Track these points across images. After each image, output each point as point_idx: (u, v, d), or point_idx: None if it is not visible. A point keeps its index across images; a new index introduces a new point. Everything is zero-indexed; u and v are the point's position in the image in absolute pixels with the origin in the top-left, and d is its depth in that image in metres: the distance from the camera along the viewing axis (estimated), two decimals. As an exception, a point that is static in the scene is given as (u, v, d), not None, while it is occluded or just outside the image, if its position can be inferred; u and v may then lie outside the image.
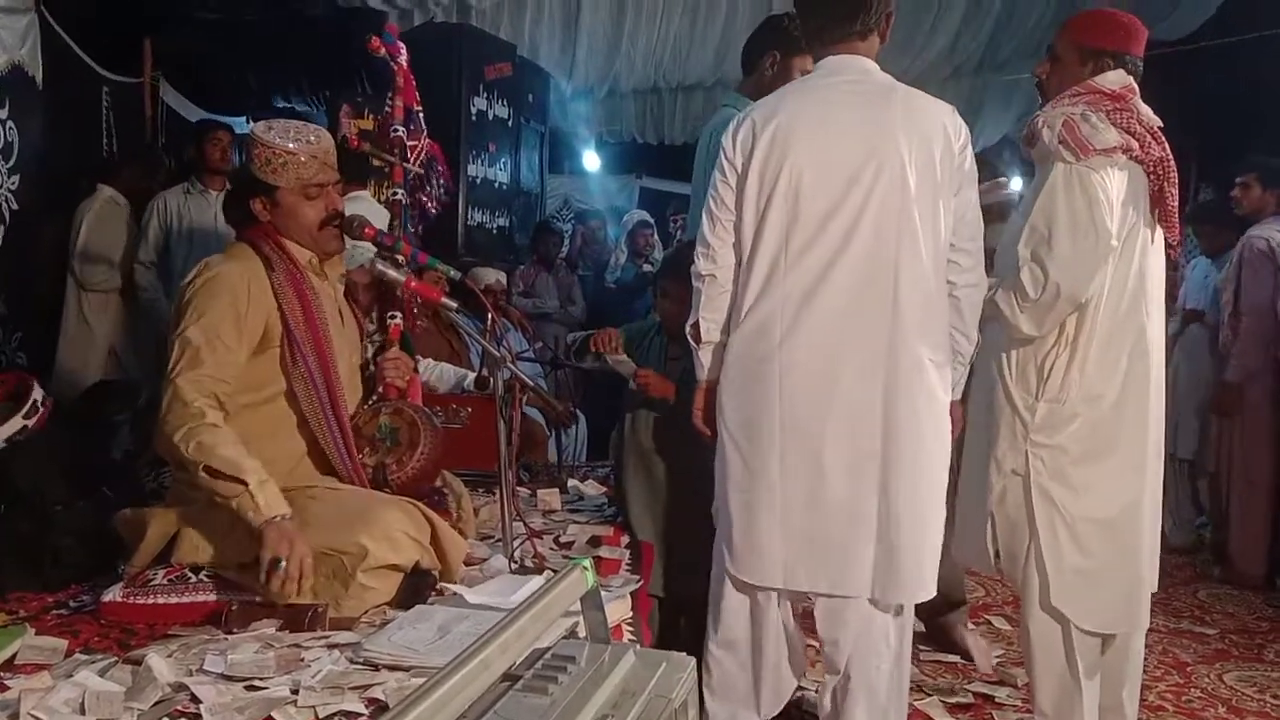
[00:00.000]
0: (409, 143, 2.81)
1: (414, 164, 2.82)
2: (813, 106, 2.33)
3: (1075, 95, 2.51)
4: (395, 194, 2.74)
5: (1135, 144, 2.46)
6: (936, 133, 2.27)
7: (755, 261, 2.32)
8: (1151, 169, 2.49)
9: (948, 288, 2.33)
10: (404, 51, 2.79)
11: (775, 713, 2.46)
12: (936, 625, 3.51)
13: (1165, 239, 2.59)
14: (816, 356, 2.27)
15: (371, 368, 2.55)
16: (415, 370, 2.65)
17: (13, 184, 4.72)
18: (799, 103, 2.35)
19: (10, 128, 4.66)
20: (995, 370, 2.58)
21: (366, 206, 2.90)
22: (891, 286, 2.24)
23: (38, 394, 2.62)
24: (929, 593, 2.32)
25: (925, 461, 2.29)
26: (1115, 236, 2.45)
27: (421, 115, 2.87)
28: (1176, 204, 2.54)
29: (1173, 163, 2.52)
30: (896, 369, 2.24)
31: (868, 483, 2.26)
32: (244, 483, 2.02)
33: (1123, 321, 2.50)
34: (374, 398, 2.48)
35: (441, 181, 3.00)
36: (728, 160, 2.37)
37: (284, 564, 1.97)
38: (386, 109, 2.82)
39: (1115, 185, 2.45)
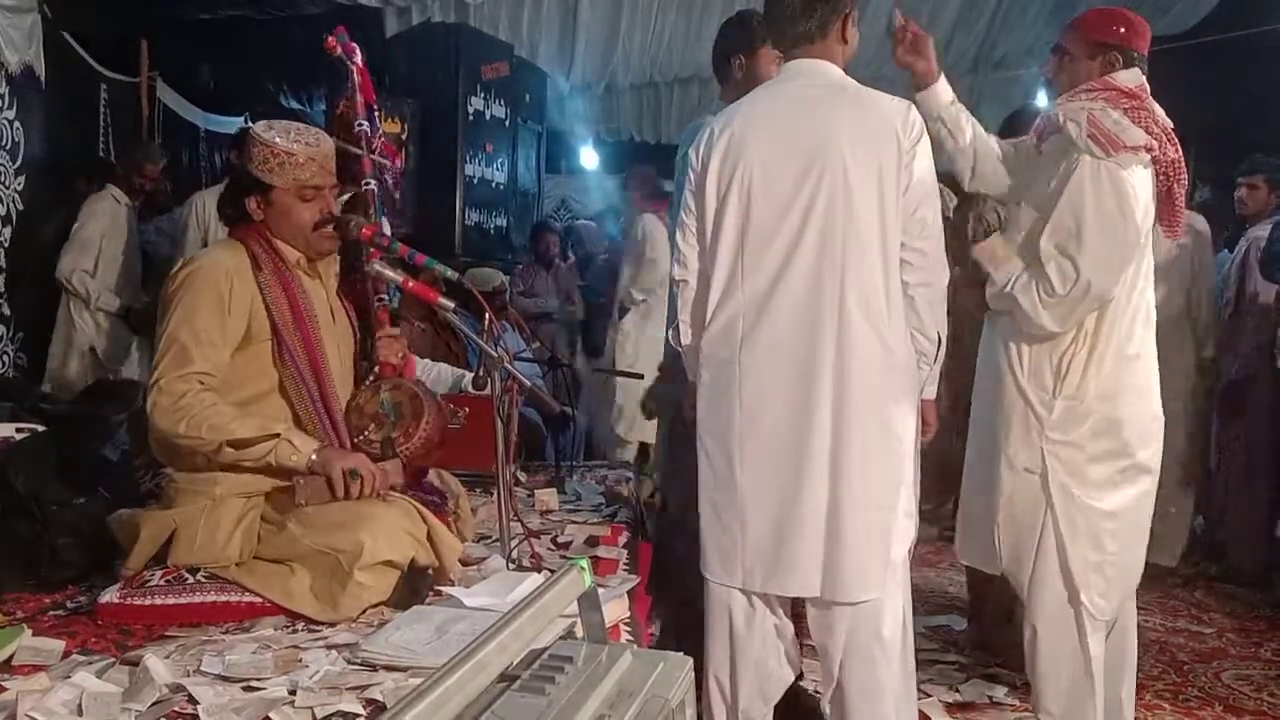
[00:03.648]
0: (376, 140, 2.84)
1: (378, 155, 2.85)
2: (764, 112, 2.36)
3: (1092, 91, 2.51)
4: (367, 184, 2.75)
5: (1155, 144, 2.47)
6: (885, 131, 2.27)
7: (716, 267, 2.37)
8: (1164, 169, 2.50)
9: (904, 287, 2.32)
10: (358, 51, 2.83)
11: (765, 711, 2.46)
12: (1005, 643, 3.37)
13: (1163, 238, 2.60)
14: (771, 360, 2.30)
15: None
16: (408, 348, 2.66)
17: (19, 184, 4.73)
18: (752, 109, 2.39)
19: (17, 128, 4.68)
20: (1004, 368, 2.57)
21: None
22: (838, 289, 2.25)
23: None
24: (874, 592, 2.30)
25: (876, 463, 2.29)
26: (1141, 234, 2.45)
27: (378, 114, 2.93)
28: (1183, 205, 2.55)
29: (1184, 164, 2.53)
30: (844, 371, 2.26)
31: (817, 484, 2.27)
32: (275, 434, 2.15)
33: (1134, 320, 2.50)
34: (371, 377, 2.48)
35: (395, 180, 3.03)
36: (691, 168, 2.43)
37: (359, 472, 2.17)
38: (347, 103, 2.85)
39: (1140, 183, 2.46)
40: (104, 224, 4.75)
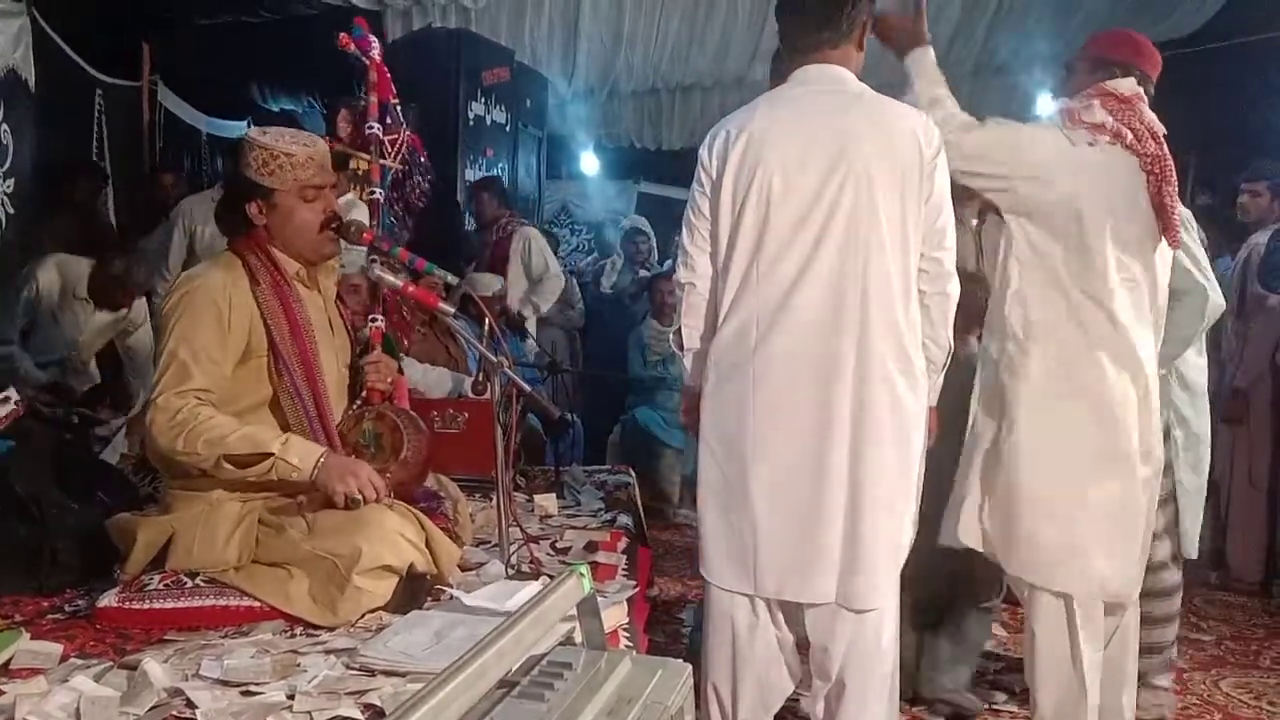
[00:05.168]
0: (387, 138, 2.78)
1: (394, 159, 2.79)
2: (784, 116, 2.36)
3: (1088, 95, 2.58)
4: (373, 193, 2.72)
5: (1129, 133, 2.51)
6: (906, 140, 2.28)
7: (730, 270, 2.36)
8: (1148, 165, 2.52)
9: (919, 295, 2.34)
10: (375, 45, 2.76)
11: (767, 718, 2.46)
12: None
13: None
14: (787, 365, 2.29)
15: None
16: (400, 372, 2.64)
17: (8, 187, 4.70)
18: (771, 112, 2.38)
19: (5, 131, 4.65)
20: (983, 353, 2.66)
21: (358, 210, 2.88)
22: (860, 295, 2.26)
23: (12, 393, 2.64)
24: (886, 598, 2.33)
25: (893, 471, 2.30)
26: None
27: (399, 108, 2.84)
28: (1175, 207, 2.56)
29: (1170, 164, 2.55)
30: (865, 378, 2.26)
31: (834, 491, 2.27)
32: (269, 453, 2.11)
33: (1097, 311, 2.51)
34: (358, 402, 2.47)
35: (425, 173, 2.97)
36: (704, 170, 2.41)
37: (359, 497, 2.13)
38: (360, 104, 2.78)
39: (1090, 160, 2.51)
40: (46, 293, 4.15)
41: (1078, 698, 2.52)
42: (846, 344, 2.26)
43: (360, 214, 2.67)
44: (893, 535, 2.32)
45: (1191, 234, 2.93)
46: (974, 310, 2.70)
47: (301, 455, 2.14)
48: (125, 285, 4.12)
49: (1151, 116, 2.57)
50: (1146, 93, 2.61)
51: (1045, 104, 6.94)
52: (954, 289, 2.37)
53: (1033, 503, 2.54)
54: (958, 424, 2.67)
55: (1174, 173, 2.56)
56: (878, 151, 2.26)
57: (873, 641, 2.32)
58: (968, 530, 2.66)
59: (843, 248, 2.26)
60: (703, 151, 2.43)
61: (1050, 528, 2.53)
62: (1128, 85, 2.57)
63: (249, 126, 6.14)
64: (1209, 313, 2.97)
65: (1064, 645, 2.54)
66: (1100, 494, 2.54)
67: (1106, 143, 2.51)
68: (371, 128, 2.72)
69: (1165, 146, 2.55)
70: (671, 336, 2.55)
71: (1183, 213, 2.81)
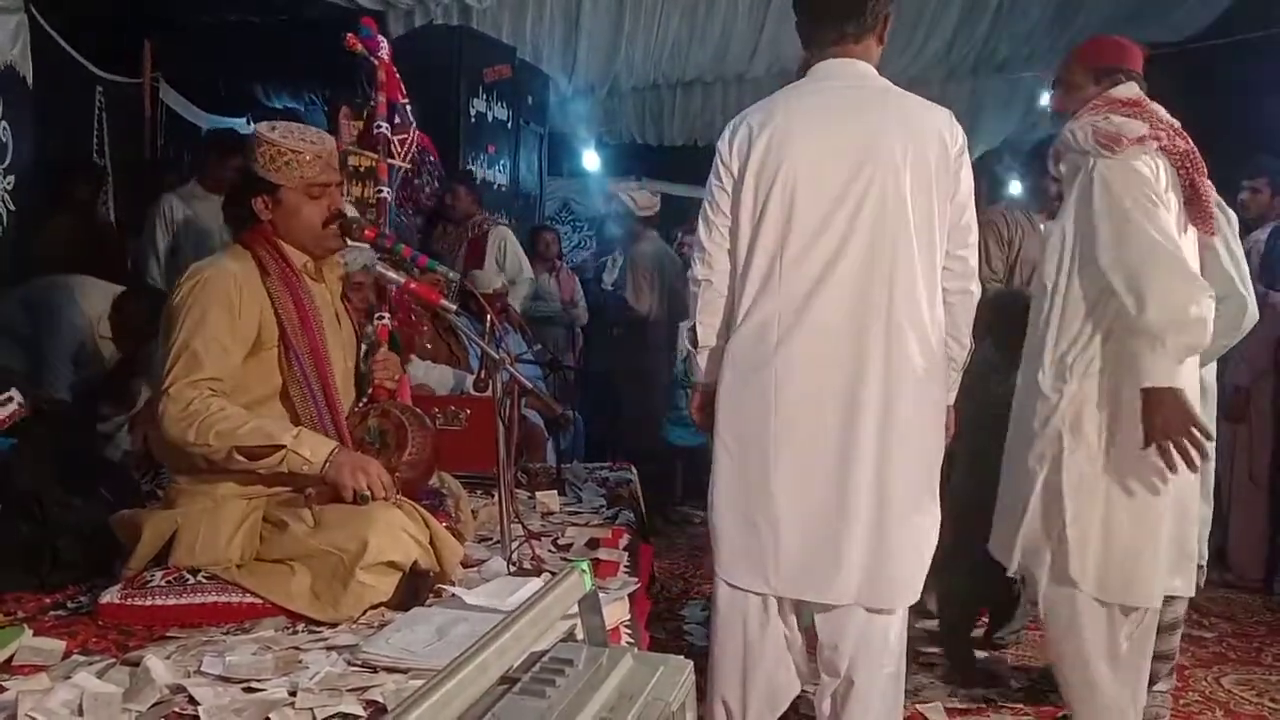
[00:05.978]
0: (397, 136, 2.78)
1: (403, 158, 2.79)
2: (808, 111, 2.32)
3: (1094, 108, 2.58)
4: (381, 191, 2.72)
5: (1164, 135, 2.50)
6: (932, 138, 2.26)
7: (751, 267, 2.32)
8: (1179, 162, 2.52)
9: (943, 294, 2.33)
10: (384, 45, 2.76)
11: (773, 718, 2.46)
12: None
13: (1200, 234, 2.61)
14: (812, 363, 2.27)
15: (364, 368, 2.55)
16: (404, 370, 2.64)
17: (8, 184, 4.70)
18: (794, 107, 2.34)
19: (4, 128, 4.65)
20: (1034, 368, 2.61)
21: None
22: (886, 293, 2.24)
23: (14, 393, 2.63)
24: (915, 596, 2.34)
25: (918, 467, 2.29)
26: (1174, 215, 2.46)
27: (409, 108, 2.84)
28: (1208, 194, 2.55)
29: (1197, 154, 2.55)
30: (891, 377, 2.24)
31: (861, 489, 2.26)
32: (281, 445, 2.12)
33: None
34: (364, 400, 2.48)
35: (435, 172, 2.97)
36: (724, 165, 2.37)
37: (369, 495, 2.15)
38: (370, 105, 2.78)
39: (1152, 171, 2.48)
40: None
41: (1125, 693, 2.55)
42: (873, 342, 2.24)
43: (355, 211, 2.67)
44: (921, 534, 2.32)
45: (1233, 227, 2.90)
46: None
47: (313, 448, 2.15)
48: (145, 327, 3.88)
49: (1165, 112, 2.57)
50: (1140, 87, 2.62)
51: (1046, 102, 6.94)
52: (976, 287, 2.37)
53: (1122, 522, 2.51)
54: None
55: (1202, 161, 2.55)
56: (905, 148, 2.23)
57: (882, 640, 2.32)
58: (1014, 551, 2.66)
59: (869, 245, 2.24)
60: (722, 146, 2.39)
61: (1134, 547, 2.52)
62: (1128, 90, 2.58)
63: (249, 124, 6.15)
64: (1245, 324, 2.91)
65: (1100, 644, 2.55)
66: (1177, 505, 2.54)
67: (1156, 150, 2.49)
68: (380, 127, 2.72)
69: (1189, 139, 2.55)
70: (685, 333, 2.52)
71: (1230, 216, 2.80)
